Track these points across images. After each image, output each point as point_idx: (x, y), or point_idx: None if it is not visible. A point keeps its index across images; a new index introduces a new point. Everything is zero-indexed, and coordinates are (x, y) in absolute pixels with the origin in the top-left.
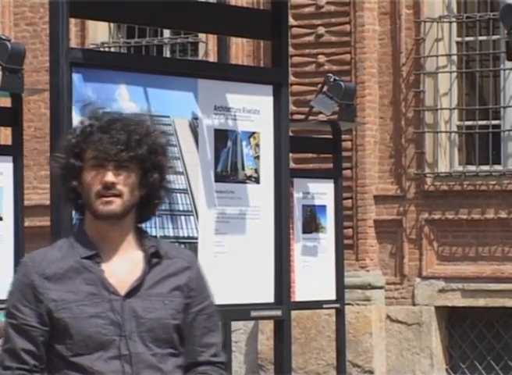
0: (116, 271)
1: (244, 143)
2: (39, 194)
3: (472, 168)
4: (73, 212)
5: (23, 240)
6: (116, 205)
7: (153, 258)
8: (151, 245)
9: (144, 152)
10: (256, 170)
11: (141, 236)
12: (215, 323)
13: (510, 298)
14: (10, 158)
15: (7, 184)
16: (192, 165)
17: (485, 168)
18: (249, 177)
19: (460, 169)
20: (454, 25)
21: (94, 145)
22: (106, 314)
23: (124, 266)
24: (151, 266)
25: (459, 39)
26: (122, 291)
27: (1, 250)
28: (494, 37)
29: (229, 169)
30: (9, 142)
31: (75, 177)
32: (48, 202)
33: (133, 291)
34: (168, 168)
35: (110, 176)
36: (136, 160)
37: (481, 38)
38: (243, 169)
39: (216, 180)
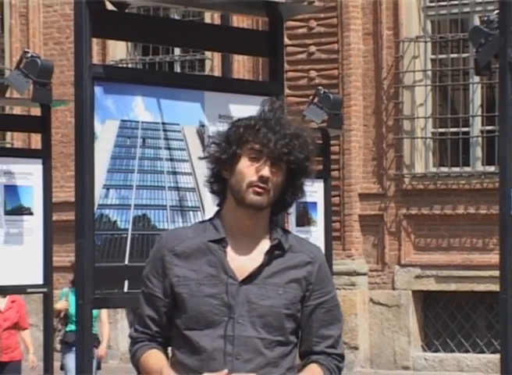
0: (239, 257)
1: None
2: (65, 192)
3: (445, 169)
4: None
5: (51, 232)
6: (264, 197)
7: (275, 250)
8: (275, 238)
9: (301, 158)
10: None
11: (272, 228)
12: (335, 317)
13: (478, 283)
14: (40, 160)
15: (37, 184)
16: (199, 167)
17: (456, 169)
18: None
19: (434, 170)
20: (429, 44)
21: (260, 140)
22: (221, 296)
23: (248, 254)
24: (272, 257)
25: (433, 56)
26: (241, 277)
27: (33, 241)
28: (464, 55)
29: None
30: (39, 147)
31: (227, 164)
32: (72, 199)
33: (250, 278)
34: (312, 175)
35: (267, 171)
36: (290, 163)
37: (452, 56)
38: None
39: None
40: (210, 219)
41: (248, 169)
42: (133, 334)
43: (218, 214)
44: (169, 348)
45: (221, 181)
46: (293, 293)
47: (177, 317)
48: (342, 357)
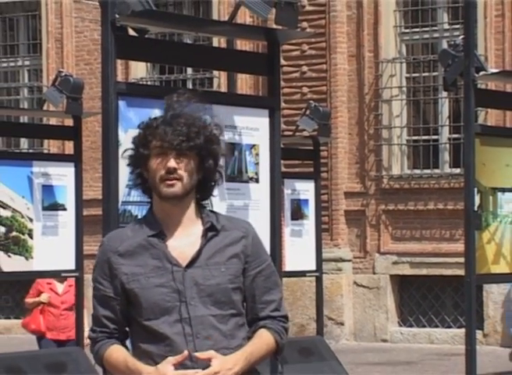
0: (179, 245)
1: (247, 153)
2: (94, 191)
3: (417, 171)
4: (141, 195)
5: (81, 225)
6: (177, 187)
7: (209, 232)
8: (207, 220)
9: (201, 142)
10: (256, 173)
11: (202, 213)
12: (274, 283)
13: (446, 268)
14: (72, 164)
15: (70, 184)
16: None
17: (427, 171)
18: (251, 178)
19: (409, 172)
20: (404, 64)
21: (159, 136)
22: (169, 283)
23: (185, 240)
24: (207, 239)
25: (407, 75)
26: (184, 263)
27: (66, 233)
28: (434, 74)
29: (236, 172)
30: (72, 152)
31: (142, 164)
32: (100, 197)
33: (192, 262)
34: (221, 155)
35: (172, 163)
36: (194, 149)
37: (424, 74)
38: (246, 172)
39: (227, 181)
40: (144, 217)
41: (157, 166)
42: (92, 335)
43: (150, 210)
44: (128, 342)
45: (144, 181)
46: (234, 268)
47: (134, 311)
48: (286, 318)
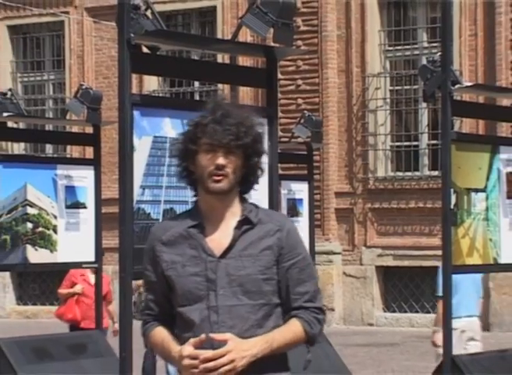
0: (216, 236)
1: None
2: (111, 191)
3: (400, 173)
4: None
5: (100, 222)
6: (224, 183)
7: (243, 224)
8: (243, 214)
9: (249, 142)
10: None
11: (242, 206)
12: (309, 275)
13: (425, 260)
14: (92, 167)
15: (90, 185)
16: None
17: (409, 173)
18: None
19: (392, 174)
20: (388, 78)
21: (209, 134)
22: (203, 273)
23: (223, 232)
24: (242, 231)
25: (391, 88)
26: (218, 253)
27: (86, 228)
28: (415, 87)
29: None
30: (91, 156)
31: (189, 159)
32: (117, 196)
33: (226, 253)
34: (264, 153)
35: (221, 160)
36: (242, 148)
37: (405, 87)
38: None
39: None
40: (189, 210)
41: (206, 162)
42: (142, 318)
43: (195, 203)
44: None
45: (190, 175)
46: (266, 259)
47: (173, 298)
48: (320, 309)
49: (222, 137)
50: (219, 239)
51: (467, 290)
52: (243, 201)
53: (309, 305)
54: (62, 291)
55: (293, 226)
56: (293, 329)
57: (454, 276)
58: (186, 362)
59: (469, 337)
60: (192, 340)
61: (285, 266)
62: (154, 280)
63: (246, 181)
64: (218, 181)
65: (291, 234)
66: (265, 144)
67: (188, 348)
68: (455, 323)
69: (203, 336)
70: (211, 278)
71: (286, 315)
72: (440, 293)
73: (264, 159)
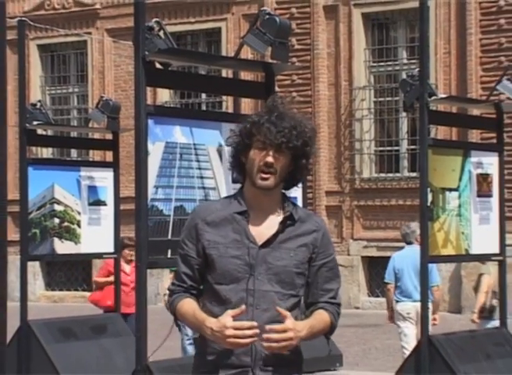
0: (259, 226)
1: None
2: (128, 190)
3: (383, 175)
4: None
5: (119, 217)
6: (271, 181)
7: (287, 220)
8: (287, 210)
9: (299, 144)
10: None
11: (285, 203)
12: (336, 274)
13: None
14: (111, 169)
15: (110, 185)
16: (218, 173)
17: (390, 175)
18: None
19: (376, 175)
20: (372, 91)
21: (264, 133)
22: (244, 257)
23: (265, 224)
24: (285, 226)
25: (375, 99)
26: (260, 242)
27: (106, 223)
28: (396, 98)
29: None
30: (111, 160)
31: (242, 152)
32: (133, 195)
33: (267, 243)
34: (312, 156)
35: (271, 158)
36: (292, 149)
37: (388, 99)
38: None
39: (232, 182)
40: (234, 195)
41: (257, 157)
42: (171, 287)
43: (240, 191)
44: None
45: (240, 165)
46: (301, 255)
47: (208, 274)
48: (340, 306)
49: (274, 137)
50: (262, 229)
51: (410, 278)
52: (285, 197)
53: (333, 301)
54: (99, 279)
55: (327, 229)
56: (325, 319)
57: (398, 267)
58: (231, 332)
59: (409, 317)
60: (231, 311)
61: (317, 265)
62: (193, 255)
63: (291, 180)
64: (265, 179)
65: (326, 236)
66: (314, 148)
67: (229, 319)
68: (399, 306)
69: (243, 307)
70: (251, 263)
71: (308, 308)
72: (387, 279)
73: (312, 161)
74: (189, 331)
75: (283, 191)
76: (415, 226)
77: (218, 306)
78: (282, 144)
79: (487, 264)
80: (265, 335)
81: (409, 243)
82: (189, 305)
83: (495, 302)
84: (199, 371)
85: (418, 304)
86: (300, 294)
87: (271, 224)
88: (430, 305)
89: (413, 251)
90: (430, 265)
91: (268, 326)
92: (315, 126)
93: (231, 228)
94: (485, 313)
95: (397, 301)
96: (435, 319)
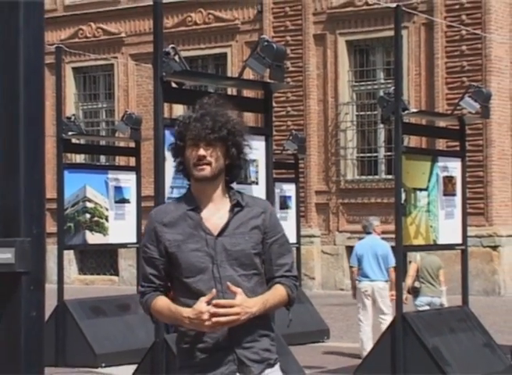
0: (211, 218)
1: (250, 165)
2: (148, 190)
3: (364, 177)
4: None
5: (140, 213)
6: (207, 171)
7: (235, 207)
8: (234, 198)
9: (224, 134)
10: (256, 178)
11: (230, 192)
12: (287, 249)
13: None
14: (134, 172)
15: (133, 185)
16: None
17: (370, 177)
18: (253, 182)
19: (358, 177)
20: (355, 106)
21: (191, 131)
22: (203, 249)
23: (216, 214)
24: (234, 213)
25: (357, 113)
26: (215, 232)
27: (130, 218)
28: (375, 112)
29: (243, 177)
30: (134, 164)
31: (181, 154)
32: (153, 194)
33: (222, 232)
34: (243, 145)
35: (201, 151)
36: (219, 140)
37: (368, 113)
38: (249, 177)
39: (237, 183)
40: (184, 195)
41: (190, 155)
42: (141, 289)
43: (188, 190)
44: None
45: (185, 168)
46: (256, 237)
47: (175, 271)
48: (297, 277)
49: (200, 132)
50: (214, 220)
51: (368, 262)
52: (229, 188)
53: (288, 274)
54: None
55: (273, 210)
56: (280, 293)
57: (359, 253)
58: (205, 316)
59: (367, 294)
60: (203, 297)
61: (268, 242)
62: (156, 256)
63: (230, 171)
64: (201, 170)
65: (273, 216)
66: (246, 139)
67: (204, 304)
68: (359, 285)
69: (214, 291)
70: (211, 253)
71: (268, 283)
72: (351, 263)
73: (248, 152)
74: None
75: (231, 185)
76: (373, 219)
77: (191, 299)
78: (208, 136)
79: (415, 254)
80: (212, 309)
81: (368, 233)
82: (162, 301)
83: (417, 284)
84: (186, 364)
85: (374, 283)
86: (261, 272)
87: (222, 214)
88: (382, 284)
89: (371, 240)
90: (387, 250)
91: (214, 301)
92: (244, 120)
93: (187, 225)
94: (412, 292)
95: (358, 281)
96: (392, 295)
